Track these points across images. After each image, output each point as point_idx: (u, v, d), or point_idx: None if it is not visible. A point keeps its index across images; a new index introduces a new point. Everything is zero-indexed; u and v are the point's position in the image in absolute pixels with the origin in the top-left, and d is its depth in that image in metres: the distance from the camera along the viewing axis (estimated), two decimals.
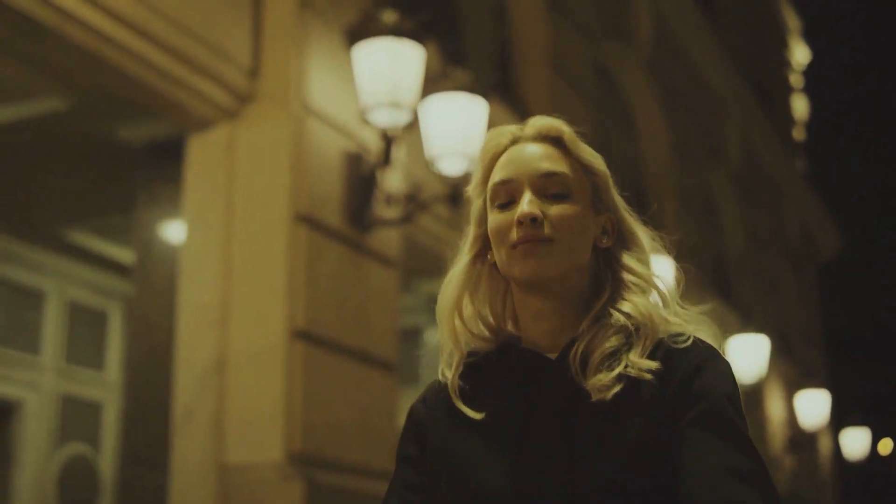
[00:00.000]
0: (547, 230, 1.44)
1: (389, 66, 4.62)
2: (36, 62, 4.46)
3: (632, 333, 1.44)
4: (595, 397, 1.39)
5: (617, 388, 1.39)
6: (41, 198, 6.37)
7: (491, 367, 1.53)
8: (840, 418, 14.54)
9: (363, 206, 4.91)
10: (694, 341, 1.44)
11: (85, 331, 7.59)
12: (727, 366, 1.43)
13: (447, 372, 1.53)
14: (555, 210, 1.45)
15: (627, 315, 1.45)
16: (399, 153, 4.85)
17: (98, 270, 7.53)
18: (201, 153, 4.86)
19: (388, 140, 4.73)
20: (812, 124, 18.66)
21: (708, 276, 10.41)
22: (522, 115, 6.65)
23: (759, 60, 14.62)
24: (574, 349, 1.44)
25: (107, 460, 7.45)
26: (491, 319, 1.55)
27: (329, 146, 4.88)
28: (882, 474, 18.83)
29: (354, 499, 4.61)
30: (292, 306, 4.56)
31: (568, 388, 1.43)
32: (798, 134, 17.58)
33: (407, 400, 5.26)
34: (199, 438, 4.57)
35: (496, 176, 1.50)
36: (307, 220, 4.68)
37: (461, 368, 1.53)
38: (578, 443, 1.39)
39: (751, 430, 1.38)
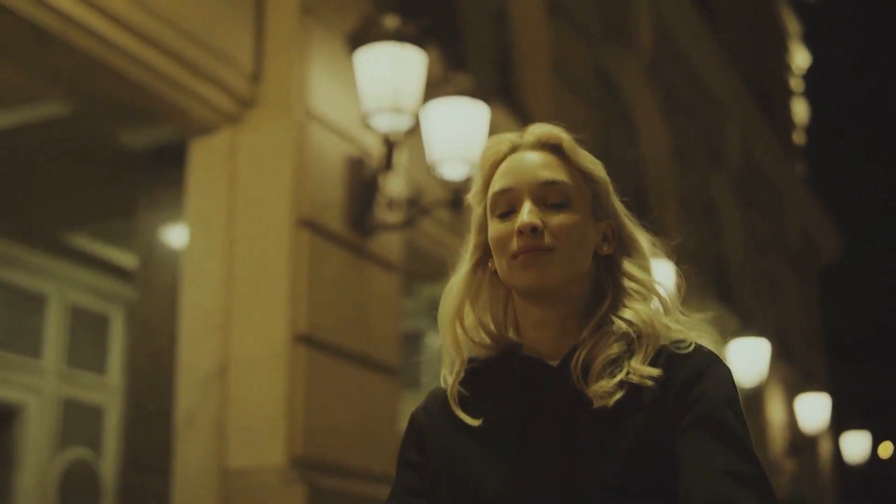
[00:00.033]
0: (547, 240, 1.44)
1: (391, 71, 4.63)
2: (39, 67, 4.47)
3: (633, 340, 1.44)
4: (597, 404, 1.40)
5: (619, 395, 1.39)
6: (43, 202, 6.39)
7: (492, 373, 1.53)
8: (840, 422, 14.55)
9: (365, 211, 4.92)
10: (696, 348, 1.44)
11: (86, 334, 7.61)
12: (728, 371, 1.43)
13: (448, 379, 1.54)
14: (555, 219, 1.45)
15: (629, 322, 1.45)
16: (401, 158, 4.86)
17: (99, 274, 7.54)
18: (203, 158, 4.88)
19: (389, 145, 4.74)
20: (812, 128, 18.68)
21: (708, 280, 10.42)
22: (523, 119, 6.68)
23: (759, 64, 14.63)
24: (576, 356, 1.44)
25: (108, 464, 7.46)
26: (492, 327, 1.55)
27: (331, 151, 4.89)
28: (882, 478, 18.82)
29: (356, 502, 4.61)
30: (294, 310, 4.57)
31: (569, 395, 1.43)
32: (798, 137, 17.59)
33: (408, 404, 5.25)
34: (201, 443, 4.58)
35: (496, 185, 1.50)
36: (309, 225, 4.69)
37: (462, 375, 1.53)
38: (580, 449, 1.40)
39: (752, 435, 1.38)
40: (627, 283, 1.50)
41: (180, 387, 4.69)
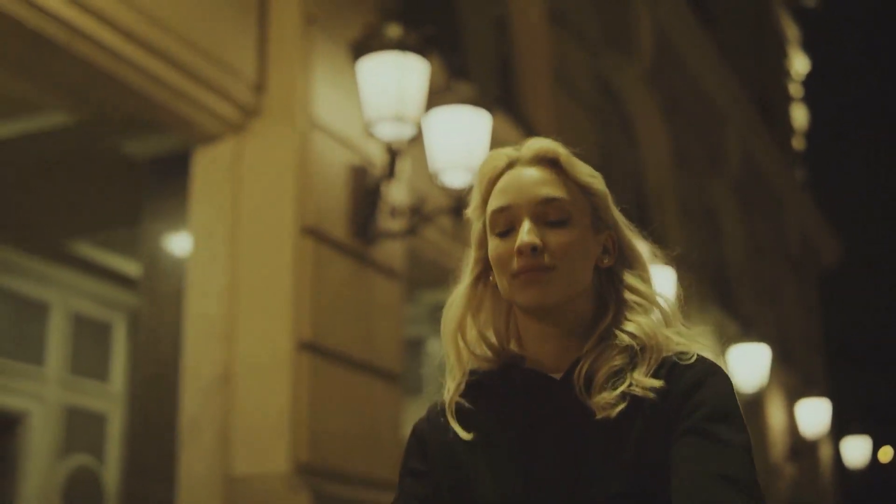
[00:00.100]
0: (547, 259, 1.44)
1: (394, 80, 4.66)
2: (45, 77, 4.50)
3: (636, 353, 1.45)
4: (600, 415, 1.41)
5: (621, 406, 1.40)
6: (47, 210, 6.40)
7: (494, 386, 1.54)
8: (841, 426, 14.54)
9: (368, 219, 4.94)
10: (698, 359, 1.45)
11: (89, 342, 7.62)
12: (727, 381, 1.44)
13: (450, 391, 1.54)
14: (554, 237, 1.45)
15: (632, 335, 1.46)
16: (403, 166, 4.89)
17: (102, 282, 7.56)
18: (207, 167, 4.90)
19: (392, 153, 4.77)
20: (812, 133, 18.70)
21: (709, 286, 10.44)
22: (525, 127, 6.71)
23: (758, 70, 14.66)
24: (578, 368, 1.45)
25: (111, 472, 7.48)
26: (494, 340, 1.56)
27: (334, 159, 4.92)
28: (882, 482, 18.81)
29: None
30: (298, 318, 4.59)
31: (573, 407, 1.44)
32: (798, 143, 17.61)
33: (411, 410, 5.29)
34: (206, 450, 4.59)
35: (494, 203, 1.50)
36: (313, 233, 4.72)
37: (462, 388, 1.54)
38: (584, 460, 1.41)
39: (752, 441, 1.39)
40: (629, 296, 1.51)
41: (185, 394, 4.71)
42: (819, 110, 19.44)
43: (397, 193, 5.08)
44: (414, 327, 6.28)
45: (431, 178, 5.05)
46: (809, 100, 18.63)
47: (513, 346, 1.56)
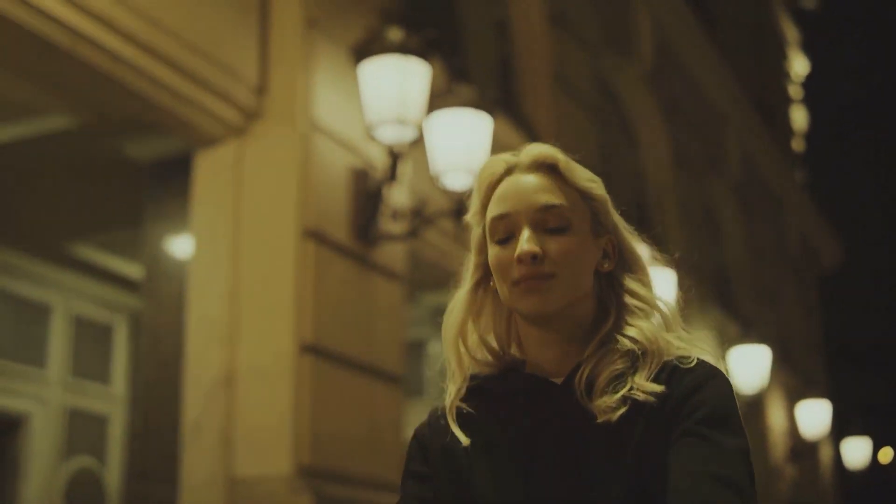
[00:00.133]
0: (547, 267, 1.45)
1: (395, 83, 4.67)
2: (47, 81, 4.51)
3: (638, 357, 1.45)
4: (601, 419, 1.41)
5: (622, 410, 1.41)
6: (49, 213, 6.42)
7: (495, 390, 1.54)
8: (841, 427, 14.55)
9: (369, 222, 4.96)
10: (698, 363, 1.46)
11: (91, 345, 7.64)
12: (727, 384, 1.45)
13: (451, 395, 1.55)
14: (554, 245, 1.45)
15: (633, 339, 1.46)
16: (405, 168, 4.90)
17: (104, 285, 7.57)
18: (209, 169, 4.91)
19: (393, 156, 4.78)
20: (811, 135, 18.71)
21: (709, 287, 10.45)
22: (526, 128, 6.72)
23: (758, 72, 14.67)
24: (579, 373, 1.46)
25: (112, 474, 7.49)
26: (495, 345, 1.56)
27: (336, 162, 4.93)
28: (883, 483, 18.82)
29: None
30: (300, 320, 4.60)
31: (574, 411, 1.44)
32: (798, 145, 17.62)
33: (413, 412, 5.29)
34: (208, 452, 4.60)
35: (493, 210, 1.50)
36: (314, 236, 4.73)
37: (463, 392, 1.55)
38: (586, 463, 1.42)
39: (752, 442, 1.40)
40: (629, 300, 1.51)
41: (187, 396, 4.72)
42: (819, 112, 19.45)
43: (398, 196, 5.09)
44: (415, 329, 6.29)
45: (432, 180, 5.06)
46: (809, 101, 18.64)
47: (514, 351, 1.56)
